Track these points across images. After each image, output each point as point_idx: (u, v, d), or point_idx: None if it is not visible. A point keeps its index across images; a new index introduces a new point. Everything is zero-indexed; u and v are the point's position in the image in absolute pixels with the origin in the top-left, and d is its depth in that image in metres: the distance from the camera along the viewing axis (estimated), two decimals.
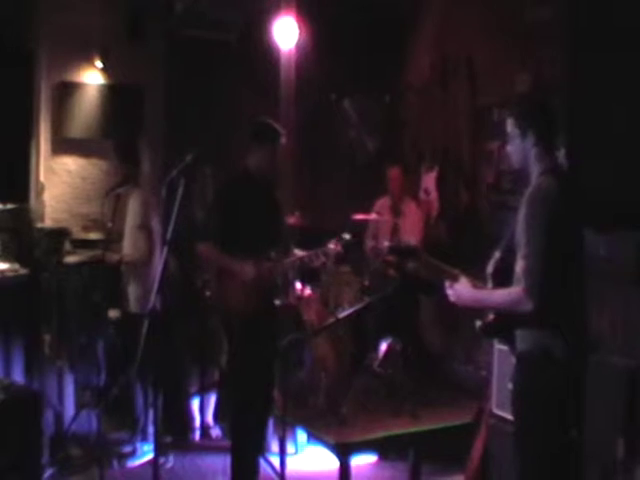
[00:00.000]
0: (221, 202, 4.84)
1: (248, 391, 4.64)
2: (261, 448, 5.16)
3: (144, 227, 5.60)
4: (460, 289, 3.50)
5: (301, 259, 4.81)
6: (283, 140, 4.83)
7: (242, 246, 4.62)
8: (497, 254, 3.54)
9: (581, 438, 3.40)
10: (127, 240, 5.71)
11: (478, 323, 3.54)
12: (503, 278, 3.39)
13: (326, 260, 4.73)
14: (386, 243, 6.59)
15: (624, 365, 4.32)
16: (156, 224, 5.65)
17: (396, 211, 7.18)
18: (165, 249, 3.96)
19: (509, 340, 3.47)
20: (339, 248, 4.61)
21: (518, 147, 3.48)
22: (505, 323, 3.41)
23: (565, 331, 3.28)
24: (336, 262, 4.81)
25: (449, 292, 3.55)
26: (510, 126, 3.51)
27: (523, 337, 3.37)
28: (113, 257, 5.68)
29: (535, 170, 3.41)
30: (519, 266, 3.30)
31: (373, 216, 7.00)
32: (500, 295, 3.37)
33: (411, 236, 6.99)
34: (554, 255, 3.22)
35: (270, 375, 4.80)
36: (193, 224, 5.41)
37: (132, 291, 5.67)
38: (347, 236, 4.72)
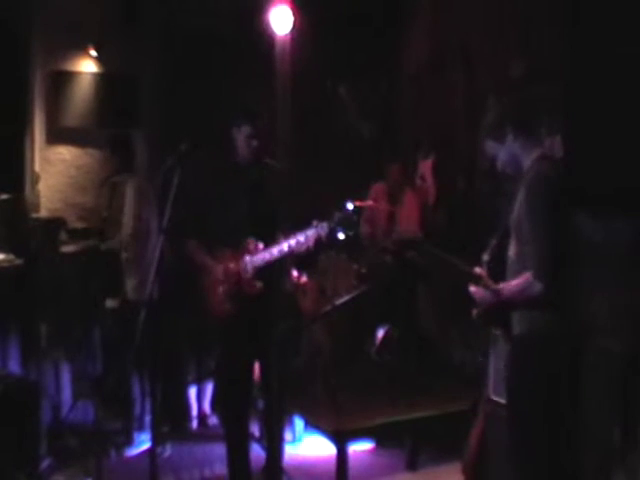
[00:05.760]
0: (199, 194, 4.68)
1: (235, 381, 4.63)
2: (261, 436, 5.18)
3: (135, 215, 5.62)
4: (487, 296, 3.48)
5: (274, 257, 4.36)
6: (261, 121, 4.57)
7: (220, 238, 4.49)
8: (493, 241, 3.55)
9: (577, 424, 3.41)
10: (125, 228, 5.72)
11: (475, 311, 3.54)
12: (498, 264, 3.39)
13: (309, 245, 4.30)
14: (393, 237, 6.56)
15: (620, 350, 4.32)
16: (148, 212, 5.65)
17: (393, 199, 7.16)
18: (161, 237, 3.94)
19: (505, 326, 3.47)
20: (322, 232, 4.16)
21: (503, 153, 3.49)
22: (501, 309, 3.41)
23: (563, 313, 3.29)
24: (319, 245, 4.34)
25: (474, 293, 3.52)
26: (489, 147, 3.53)
27: (521, 320, 3.37)
28: (112, 244, 5.74)
29: (526, 159, 3.42)
30: (512, 251, 3.33)
31: (369, 203, 6.99)
32: (513, 287, 3.37)
33: (407, 224, 6.98)
34: (556, 237, 3.24)
35: (267, 364, 4.76)
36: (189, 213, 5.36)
37: (129, 279, 5.69)
38: (351, 205, 4.23)
